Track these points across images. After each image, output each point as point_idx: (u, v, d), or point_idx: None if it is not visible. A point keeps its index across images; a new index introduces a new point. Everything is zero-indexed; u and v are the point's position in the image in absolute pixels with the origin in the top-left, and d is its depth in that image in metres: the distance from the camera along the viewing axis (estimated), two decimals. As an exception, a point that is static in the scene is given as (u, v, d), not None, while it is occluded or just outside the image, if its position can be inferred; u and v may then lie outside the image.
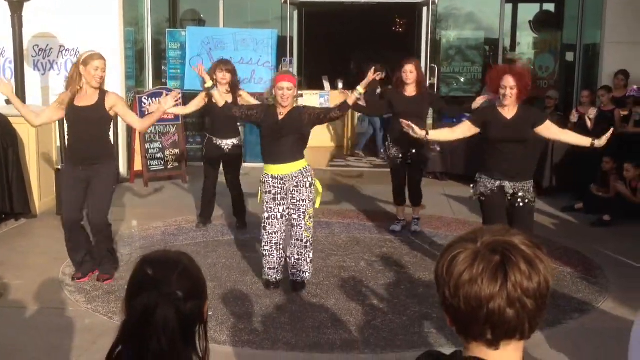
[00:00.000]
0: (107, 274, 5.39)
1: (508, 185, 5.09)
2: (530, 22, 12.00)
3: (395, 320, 4.76)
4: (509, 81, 4.97)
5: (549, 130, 5.20)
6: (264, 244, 5.25)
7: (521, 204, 5.08)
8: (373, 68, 5.27)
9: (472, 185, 5.41)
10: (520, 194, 5.08)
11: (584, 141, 5.19)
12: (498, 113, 5.13)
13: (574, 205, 7.92)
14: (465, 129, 5.39)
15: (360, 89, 5.21)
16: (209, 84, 5.58)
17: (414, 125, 5.27)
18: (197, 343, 1.70)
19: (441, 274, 1.39)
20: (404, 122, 5.39)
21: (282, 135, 5.05)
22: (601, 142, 5.07)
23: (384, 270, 5.82)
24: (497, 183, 5.12)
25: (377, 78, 6.03)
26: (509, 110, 5.09)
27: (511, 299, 1.32)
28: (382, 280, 5.57)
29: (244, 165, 7.14)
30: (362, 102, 5.82)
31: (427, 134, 5.46)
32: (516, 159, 5.08)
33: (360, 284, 5.48)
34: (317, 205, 5.30)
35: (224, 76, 6.54)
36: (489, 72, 5.45)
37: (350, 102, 5.22)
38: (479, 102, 6.54)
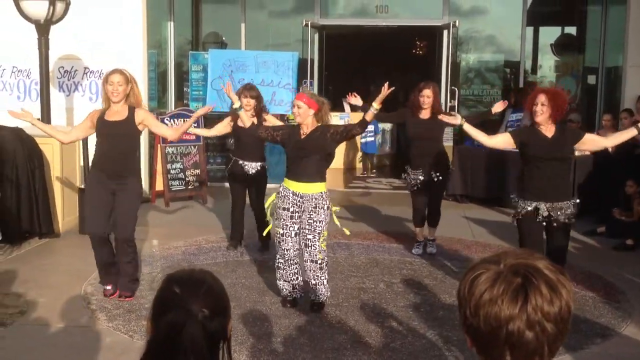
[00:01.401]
0: (129, 291, 5.44)
1: (543, 207, 5.09)
2: (551, 45, 12.00)
3: (415, 343, 4.73)
4: (541, 98, 5.07)
5: (593, 141, 5.32)
6: (278, 257, 5.30)
7: (555, 225, 5.08)
8: (387, 83, 5.32)
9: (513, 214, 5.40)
10: (555, 214, 5.08)
11: (631, 132, 5.27)
12: (538, 131, 5.17)
13: (597, 229, 7.85)
14: (504, 140, 5.44)
15: (376, 105, 5.28)
16: (237, 104, 5.63)
17: (449, 116, 5.56)
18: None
19: (463, 294, 1.42)
20: (444, 117, 5.73)
21: (306, 154, 5.11)
22: None
23: (403, 292, 5.80)
24: (533, 205, 5.12)
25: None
26: (547, 129, 5.14)
27: (531, 321, 1.32)
28: (402, 302, 5.55)
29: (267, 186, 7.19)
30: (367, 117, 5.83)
31: (462, 124, 5.50)
32: (553, 178, 5.10)
33: (379, 305, 5.46)
34: (347, 232, 5.41)
35: (248, 102, 6.52)
36: (529, 94, 5.54)
37: (369, 118, 5.30)
38: (498, 107, 6.53)
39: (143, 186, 9.38)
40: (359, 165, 12.48)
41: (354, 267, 6.50)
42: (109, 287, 5.43)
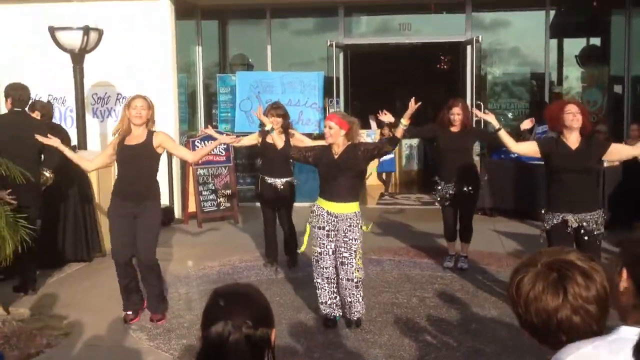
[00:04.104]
0: (160, 314, 5.52)
1: (571, 219, 5.13)
2: (576, 56, 11.99)
3: (449, 356, 4.79)
4: (573, 108, 5.16)
5: (619, 150, 5.41)
6: (315, 276, 5.38)
7: (585, 237, 5.11)
8: (414, 99, 5.42)
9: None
10: (584, 225, 5.11)
11: None
12: (563, 143, 5.23)
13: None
14: (530, 147, 5.53)
15: (404, 121, 5.37)
16: (269, 126, 5.75)
17: (489, 115, 5.71)
18: None
19: (512, 296, 1.65)
20: (478, 112, 5.96)
21: (339, 174, 5.21)
22: None
23: (435, 306, 5.86)
24: (561, 217, 5.17)
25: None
26: (573, 141, 5.19)
27: (575, 307, 1.55)
28: (435, 316, 5.61)
29: (295, 205, 7.32)
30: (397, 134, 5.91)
31: (499, 129, 5.60)
32: (580, 189, 5.14)
33: (412, 320, 5.53)
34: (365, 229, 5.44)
35: (274, 120, 6.68)
36: (547, 109, 5.59)
37: (399, 135, 5.40)
38: (526, 125, 6.58)
39: (175, 208, 9.65)
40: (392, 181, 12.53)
41: (386, 282, 6.58)
42: (129, 313, 5.53)
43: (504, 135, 5.56)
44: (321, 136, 7.46)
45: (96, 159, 5.68)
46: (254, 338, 1.78)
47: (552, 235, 5.22)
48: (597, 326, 1.57)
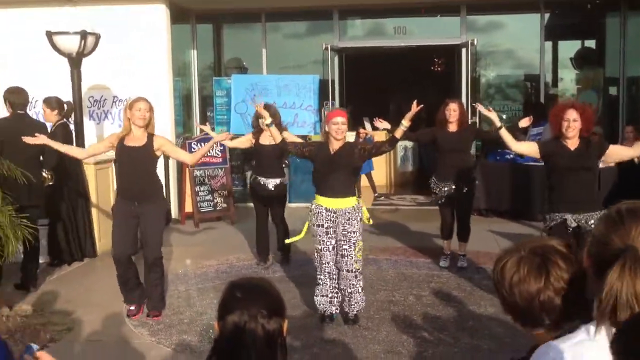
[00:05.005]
0: (156, 310, 5.60)
1: (570, 218, 5.19)
2: (571, 58, 12.07)
3: (446, 352, 4.85)
4: (572, 114, 5.20)
5: (618, 152, 5.54)
6: (317, 273, 5.45)
7: (584, 236, 5.13)
8: (415, 101, 5.48)
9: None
10: (583, 225, 5.17)
11: None
12: (562, 145, 5.31)
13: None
14: (530, 147, 5.64)
15: (405, 122, 5.43)
16: (268, 120, 5.80)
17: (491, 112, 5.79)
18: (278, 355, 1.90)
19: (497, 280, 1.74)
20: (482, 108, 6.02)
21: (335, 169, 5.27)
22: None
23: (432, 304, 5.92)
24: (560, 216, 5.23)
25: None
26: (572, 143, 5.28)
27: (556, 289, 1.63)
28: (432, 313, 5.67)
29: (288, 205, 7.41)
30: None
31: (501, 128, 5.66)
32: (579, 189, 5.21)
33: (409, 317, 5.59)
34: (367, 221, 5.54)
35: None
36: (552, 109, 5.65)
37: (398, 135, 5.45)
38: (524, 123, 6.63)
39: (173, 208, 9.69)
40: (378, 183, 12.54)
41: (383, 281, 6.63)
42: (132, 308, 5.61)
43: (505, 134, 5.61)
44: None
45: (89, 148, 5.93)
46: (268, 327, 1.86)
47: (552, 235, 5.24)
48: (575, 307, 1.65)
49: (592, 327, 1.52)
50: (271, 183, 7.02)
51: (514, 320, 1.74)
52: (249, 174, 8.00)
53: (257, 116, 6.84)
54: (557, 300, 1.63)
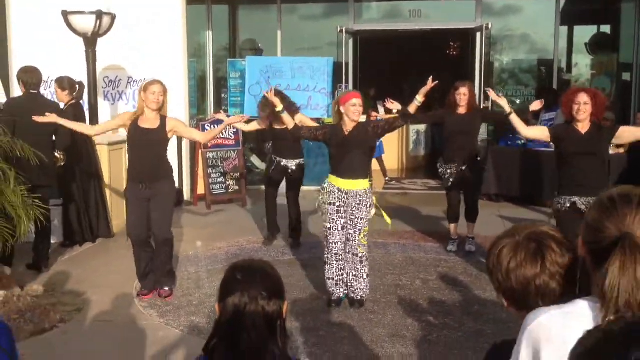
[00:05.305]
0: (168, 288, 5.72)
1: (579, 202, 5.23)
2: (585, 44, 11.99)
3: (451, 336, 4.92)
4: (583, 97, 5.25)
5: (630, 132, 5.55)
6: (325, 252, 5.52)
7: None
8: (431, 77, 5.49)
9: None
10: None
11: None
12: (573, 129, 5.36)
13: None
14: (541, 132, 5.73)
15: (420, 97, 5.47)
16: (279, 107, 5.84)
17: (502, 98, 5.82)
18: (278, 337, 1.95)
19: (493, 265, 1.78)
20: (492, 94, 6.00)
21: (350, 150, 5.32)
22: None
23: (439, 288, 5.98)
24: (569, 199, 5.27)
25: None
26: (583, 126, 5.32)
27: (552, 273, 1.69)
28: (438, 297, 5.74)
29: (302, 188, 7.49)
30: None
31: (511, 114, 5.71)
32: (589, 173, 5.25)
33: (415, 301, 5.66)
34: (388, 222, 5.70)
35: (275, 101, 6.84)
36: (565, 94, 5.68)
37: (412, 110, 5.48)
38: (535, 106, 6.65)
39: (185, 190, 9.80)
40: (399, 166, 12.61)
41: (391, 265, 6.70)
42: (145, 290, 5.74)
43: (515, 120, 5.67)
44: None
45: (98, 126, 6.10)
46: (268, 309, 1.90)
47: (561, 219, 5.32)
48: (569, 289, 1.71)
49: (588, 304, 1.54)
50: (292, 163, 7.15)
51: (508, 305, 1.78)
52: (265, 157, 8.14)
53: (263, 103, 6.92)
54: (552, 285, 1.70)
